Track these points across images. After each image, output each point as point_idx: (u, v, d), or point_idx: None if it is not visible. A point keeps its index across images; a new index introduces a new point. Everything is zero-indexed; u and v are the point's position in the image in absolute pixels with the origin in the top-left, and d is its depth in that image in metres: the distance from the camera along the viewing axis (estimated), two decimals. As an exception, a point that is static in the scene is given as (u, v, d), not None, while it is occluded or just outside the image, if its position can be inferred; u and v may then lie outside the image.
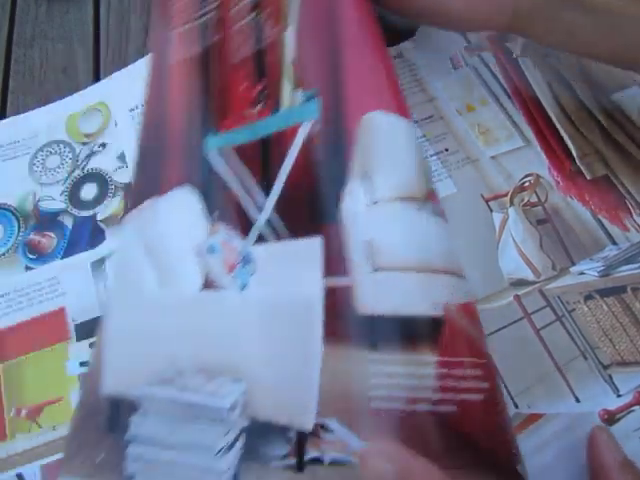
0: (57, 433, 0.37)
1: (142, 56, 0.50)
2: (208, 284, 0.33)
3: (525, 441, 0.33)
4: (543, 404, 0.34)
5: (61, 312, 0.41)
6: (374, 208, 0.33)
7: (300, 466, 0.30)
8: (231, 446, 0.30)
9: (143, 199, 0.35)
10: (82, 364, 0.39)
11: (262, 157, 0.35)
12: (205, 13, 0.38)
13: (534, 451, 0.32)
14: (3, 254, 0.44)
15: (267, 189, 0.35)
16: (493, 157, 0.43)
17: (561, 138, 0.43)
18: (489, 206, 0.41)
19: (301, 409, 0.30)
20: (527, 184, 0.42)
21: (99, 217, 0.44)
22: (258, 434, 0.30)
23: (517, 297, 0.38)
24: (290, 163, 0.34)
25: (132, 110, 0.48)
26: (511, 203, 0.41)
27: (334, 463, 0.30)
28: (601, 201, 0.41)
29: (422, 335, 0.30)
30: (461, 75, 0.47)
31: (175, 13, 0.39)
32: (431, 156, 0.43)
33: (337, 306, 0.31)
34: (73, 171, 0.47)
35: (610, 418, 0.33)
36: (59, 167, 0.47)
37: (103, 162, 0.47)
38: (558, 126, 0.44)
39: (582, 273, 0.38)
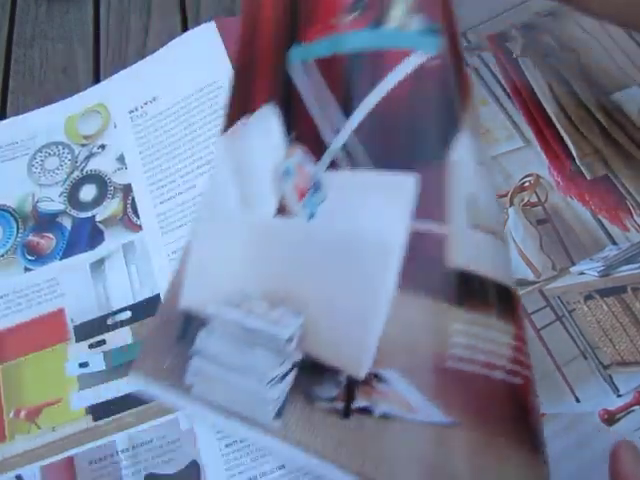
0: (56, 434, 0.37)
1: (142, 56, 0.50)
2: (282, 209, 0.32)
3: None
4: (543, 404, 0.34)
5: (60, 313, 0.41)
6: (479, 167, 0.30)
7: (346, 412, 0.29)
8: (283, 377, 0.30)
9: (236, 119, 0.34)
10: (81, 365, 0.39)
11: (347, 75, 0.32)
12: None
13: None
14: (2, 255, 0.44)
15: (348, 111, 0.31)
16: (493, 157, 0.43)
17: (561, 138, 0.43)
18: (489, 206, 0.41)
19: (356, 354, 0.29)
20: (527, 184, 0.42)
21: (98, 218, 0.44)
22: (309, 371, 0.29)
23: (517, 297, 0.37)
24: (386, 88, 0.31)
25: (131, 112, 0.48)
26: (511, 203, 0.41)
27: (385, 416, 0.28)
28: (601, 201, 0.40)
29: (505, 303, 0.28)
30: (461, 75, 0.47)
31: None
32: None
33: (422, 253, 0.28)
34: (72, 172, 0.47)
35: (610, 418, 0.33)
36: (58, 168, 0.47)
37: (102, 163, 0.46)
38: (558, 126, 0.43)
39: (582, 273, 0.38)
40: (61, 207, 0.45)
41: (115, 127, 0.48)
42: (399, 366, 0.28)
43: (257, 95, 0.34)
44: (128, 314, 0.40)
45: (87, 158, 0.47)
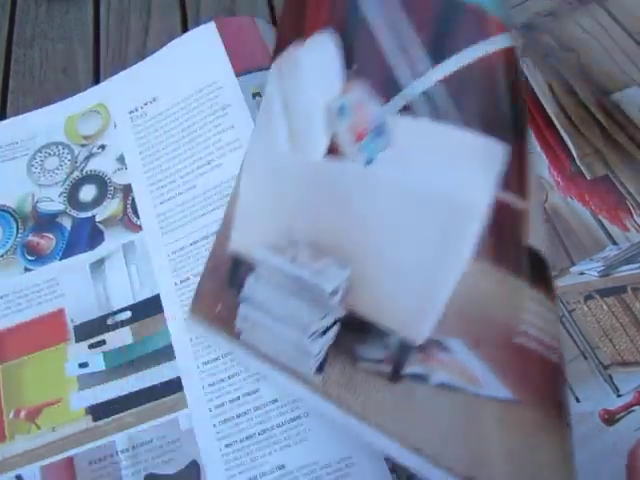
0: (56, 434, 0.37)
1: (142, 57, 0.50)
2: (333, 150, 0.30)
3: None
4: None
5: (60, 313, 0.41)
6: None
7: (395, 377, 0.27)
8: (324, 332, 0.29)
9: (287, 43, 0.31)
10: (81, 365, 0.39)
11: (440, 18, 0.28)
12: None
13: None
14: (2, 255, 0.44)
15: (436, 56, 0.28)
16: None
17: (561, 138, 0.43)
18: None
19: (415, 318, 0.27)
20: (527, 184, 0.42)
21: (98, 218, 0.44)
22: (353, 328, 0.28)
23: (517, 297, 0.37)
24: (486, 50, 0.28)
25: (131, 112, 0.48)
26: (511, 203, 0.41)
27: (442, 386, 0.27)
28: (601, 201, 0.40)
29: (553, 291, 0.28)
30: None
31: None
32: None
33: (504, 225, 0.27)
34: (72, 172, 0.47)
35: (610, 418, 0.33)
36: (58, 168, 0.47)
37: (102, 164, 0.46)
38: (558, 126, 0.43)
39: (582, 273, 0.38)
40: (61, 207, 0.45)
41: (115, 127, 0.48)
42: (465, 336, 0.27)
43: (313, 20, 0.30)
44: (128, 314, 0.40)
45: (87, 158, 0.47)
